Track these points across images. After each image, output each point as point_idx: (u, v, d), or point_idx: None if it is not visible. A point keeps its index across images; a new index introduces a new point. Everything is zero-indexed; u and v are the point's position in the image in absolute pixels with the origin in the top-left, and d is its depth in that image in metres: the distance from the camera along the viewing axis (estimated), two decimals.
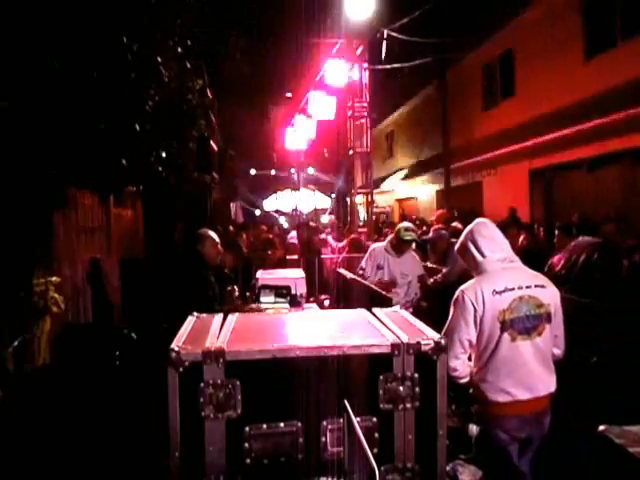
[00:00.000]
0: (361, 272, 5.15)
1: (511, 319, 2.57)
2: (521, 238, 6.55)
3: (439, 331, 1.71)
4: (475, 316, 2.59)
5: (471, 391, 2.81)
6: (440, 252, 5.95)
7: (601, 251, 4.13)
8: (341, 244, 9.31)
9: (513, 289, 2.61)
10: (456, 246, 2.99)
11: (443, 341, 1.62)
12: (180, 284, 4.14)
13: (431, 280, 5.59)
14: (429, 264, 6.16)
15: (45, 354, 4.67)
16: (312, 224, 10.57)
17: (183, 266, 4.44)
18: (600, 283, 3.99)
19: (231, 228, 8.43)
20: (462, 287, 2.71)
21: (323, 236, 9.66)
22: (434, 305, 5.42)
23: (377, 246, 5.41)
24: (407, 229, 5.15)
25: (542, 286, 2.69)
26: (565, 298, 4.17)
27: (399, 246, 5.12)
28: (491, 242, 2.76)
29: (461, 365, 2.66)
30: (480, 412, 2.79)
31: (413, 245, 5.39)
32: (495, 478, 2.76)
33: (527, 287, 2.63)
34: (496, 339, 2.58)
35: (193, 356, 1.51)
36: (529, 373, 2.60)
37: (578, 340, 3.94)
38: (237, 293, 4.65)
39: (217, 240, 4.44)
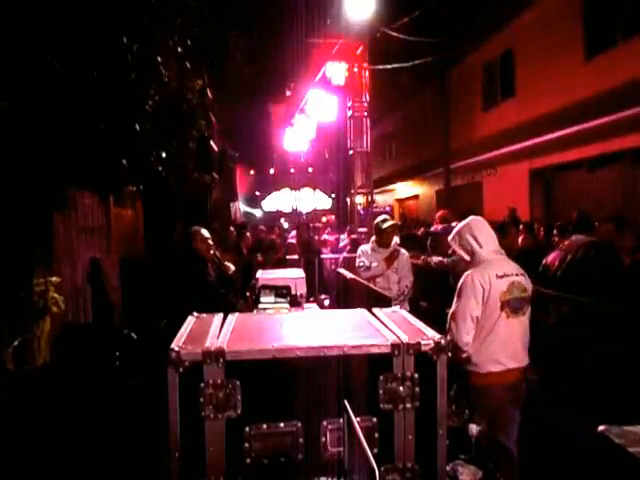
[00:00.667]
0: (362, 264, 5.15)
1: (508, 300, 3.05)
2: (520, 238, 6.55)
3: (439, 331, 1.72)
4: (483, 295, 3.03)
5: (462, 367, 3.14)
6: (447, 248, 5.92)
7: (597, 249, 4.11)
8: (342, 242, 9.30)
9: (508, 275, 3.10)
10: (451, 235, 3.36)
11: (443, 341, 1.62)
12: (179, 279, 4.27)
13: (436, 260, 5.53)
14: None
15: (45, 354, 4.67)
16: (312, 224, 10.58)
17: (180, 263, 4.61)
18: (598, 281, 3.98)
19: (232, 229, 8.38)
20: (469, 272, 3.12)
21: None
22: (434, 305, 5.41)
23: (364, 247, 5.46)
24: (384, 220, 5.31)
25: (524, 275, 3.18)
26: (562, 297, 4.17)
27: (382, 238, 5.20)
28: (486, 236, 3.22)
29: (470, 339, 3.07)
30: (473, 383, 3.12)
31: (397, 240, 5.42)
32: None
33: (516, 275, 3.13)
34: (496, 316, 3.04)
35: (193, 356, 1.51)
36: (515, 346, 3.11)
37: (576, 339, 3.95)
38: (232, 269, 5.01)
39: (206, 235, 4.64)
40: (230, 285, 5.06)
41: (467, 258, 3.19)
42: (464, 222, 3.32)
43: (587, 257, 4.10)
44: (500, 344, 3.05)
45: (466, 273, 3.13)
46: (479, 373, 3.09)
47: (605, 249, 4.16)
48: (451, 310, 3.12)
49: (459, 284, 3.13)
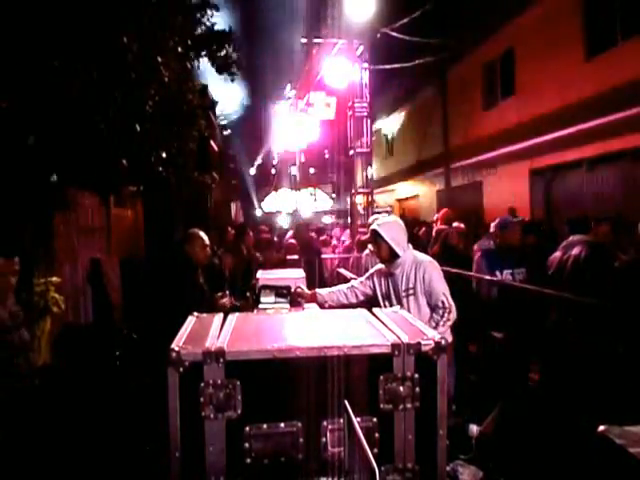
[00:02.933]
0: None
1: None
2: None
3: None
4: None
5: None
6: (517, 236, 5.84)
7: (591, 249, 4.09)
8: (345, 240, 9.30)
9: None
10: (386, 227, 3.53)
11: (443, 341, 1.62)
12: (168, 286, 3.93)
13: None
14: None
15: (45, 354, 4.66)
16: (309, 223, 10.56)
17: (171, 267, 4.18)
18: (591, 280, 3.96)
19: (231, 230, 8.33)
20: (431, 261, 3.54)
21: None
22: None
23: (366, 252, 5.63)
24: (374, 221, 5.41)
25: None
26: (558, 297, 4.16)
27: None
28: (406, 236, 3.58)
29: None
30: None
31: None
32: None
33: None
34: None
35: (193, 356, 1.51)
36: None
37: (576, 339, 3.94)
38: (227, 299, 4.28)
39: (207, 242, 4.20)
40: (225, 287, 4.94)
41: (400, 252, 3.46)
42: (395, 220, 3.70)
43: (580, 257, 4.09)
44: None
45: (429, 261, 3.52)
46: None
47: (599, 249, 4.13)
48: (444, 291, 3.39)
49: (432, 271, 3.45)
